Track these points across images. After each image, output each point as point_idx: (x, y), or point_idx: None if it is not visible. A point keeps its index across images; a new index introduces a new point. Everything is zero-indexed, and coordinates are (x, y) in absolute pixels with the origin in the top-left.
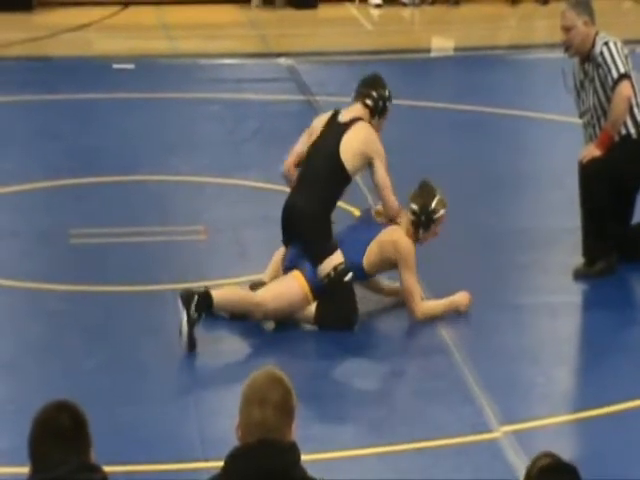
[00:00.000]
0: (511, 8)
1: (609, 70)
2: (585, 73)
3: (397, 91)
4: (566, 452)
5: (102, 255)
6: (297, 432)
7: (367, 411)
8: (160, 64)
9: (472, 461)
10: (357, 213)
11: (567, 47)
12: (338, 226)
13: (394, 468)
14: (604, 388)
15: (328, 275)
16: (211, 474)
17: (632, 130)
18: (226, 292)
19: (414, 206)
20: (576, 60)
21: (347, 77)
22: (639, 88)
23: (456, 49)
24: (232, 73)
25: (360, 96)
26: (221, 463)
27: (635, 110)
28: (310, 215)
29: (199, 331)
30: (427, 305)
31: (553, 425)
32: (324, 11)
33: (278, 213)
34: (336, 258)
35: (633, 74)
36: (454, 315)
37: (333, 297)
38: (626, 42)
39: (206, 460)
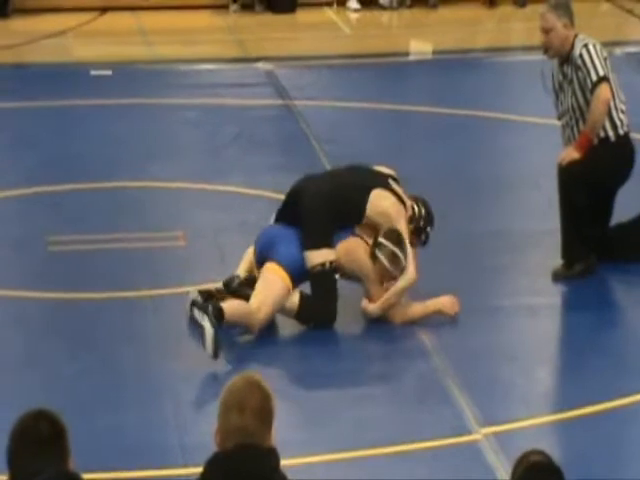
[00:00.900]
0: (489, 11)
1: (588, 72)
2: (564, 75)
3: (376, 95)
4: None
5: (81, 262)
6: (277, 436)
7: (347, 414)
8: (138, 70)
9: (452, 463)
10: None
11: (546, 49)
12: None
13: (374, 471)
14: (584, 389)
15: (322, 265)
16: None
17: (610, 133)
18: (232, 305)
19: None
20: (555, 62)
21: (326, 81)
22: (618, 90)
23: (434, 52)
24: (211, 78)
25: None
26: (200, 469)
27: (614, 113)
28: (325, 196)
29: (178, 336)
30: (407, 311)
31: (533, 426)
32: (302, 16)
33: (257, 218)
34: (331, 253)
35: (612, 76)
36: (434, 317)
37: (320, 292)
38: (603, 44)
39: (185, 466)
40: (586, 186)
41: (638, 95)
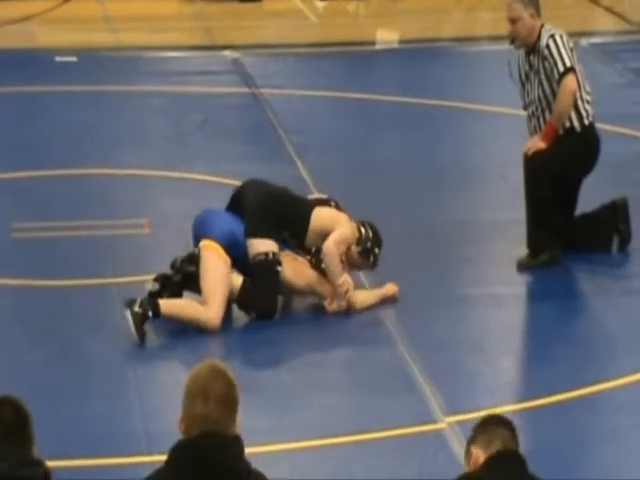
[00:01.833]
0: (456, 0)
1: (555, 63)
2: (530, 65)
3: (342, 84)
4: None
5: (45, 249)
6: (241, 424)
7: (311, 403)
8: (104, 57)
9: (417, 452)
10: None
11: (513, 39)
12: None
13: (338, 460)
14: (548, 378)
15: (265, 254)
16: (155, 468)
17: (576, 123)
18: (174, 304)
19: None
20: (521, 52)
21: (293, 70)
22: (583, 81)
23: (401, 42)
24: (177, 66)
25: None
26: (165, 456)
27: (579, 103)
28: (273, 196)
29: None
30: (364, 299)
31: None
32: (269, 4)
33: (221, 206)
34: (274, 245)
35: (578, 67)
36: (399, 306)
37: (262, 282)
38: (569, 35)
39: (150, 454)
40: (551, 176)
41: (603, 86)
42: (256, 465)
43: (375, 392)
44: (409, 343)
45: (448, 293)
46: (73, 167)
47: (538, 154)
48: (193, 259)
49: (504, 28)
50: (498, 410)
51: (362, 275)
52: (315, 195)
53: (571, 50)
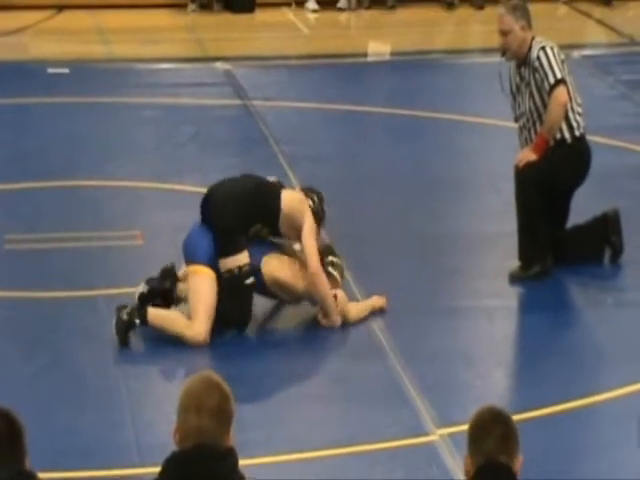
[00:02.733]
0: (447, 13)
1: (546, 75)
2: (521, 77)
3: (334, 96)
4: None
5: (38, 260)
6: (235, 436)
7: (303, 414)
8: (96, 68)
9: (408, 464)
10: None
11: (504, 51)
12: None
13: (331, 471)
14: (539, 390)
15: (229, 272)
16: None
17: (567, 135)
18: (162, 312)
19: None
20: (512, 64)
21: (284, 81)
22: (574, 93)
23: (392, 54)
24: (168, 78)
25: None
26: (157, 469)
27: (570, 115)
28: (235, 199)
29: (136, 337)
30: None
31: None
32: (261, 16)
33: None
34: (243, 257)
35: (569, 79)
36: (390, 318)
37: (230, 297)
38: (560, 47)
39: (142, 466)
40: (543, 188)
41: (594, 97)
42: (249, 477)
43: (367, 404)
44: (400, 355)
45: (439, 305)
46: (65, 178)
47: (529, 166)
48: (166, 274)
49: (495, 40)
50: None
51: (354, 286)
52: (272, 178)
53: (562, 62)
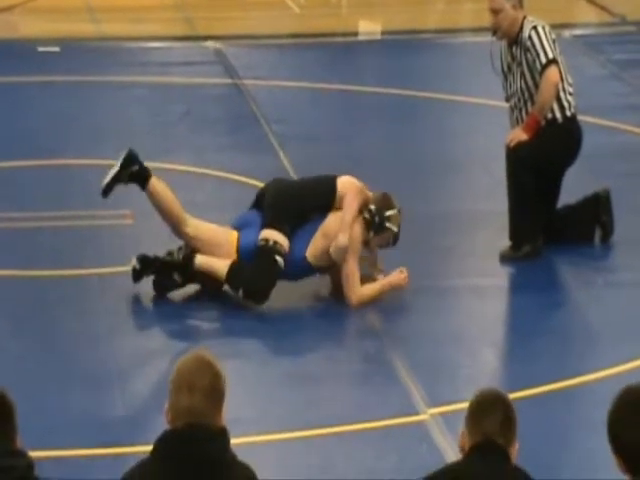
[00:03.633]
0: None
1: (537, 55)
2: (513, 56)
3: (325, 75)
4: None
5: (27, 239)
6: (227, 415)
7: (294, 394)
8: (86, 47)
9: (399, 443)
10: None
11: (495, 30)
12: None
13: (321, 451)
14: (530, 370)
15: (265, 240)
16: (138, 459)
17: (558, 114)
18: (164, 188)
19: (372, 206)
20: (504, 43)
21: (275, 60)
22: (566, 73)
23: (384, 33)
24: (159, 56)
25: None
26: (148, 448)
27: (562, 95)
28: (292, 189)
29: (125, 315)
30: (363, 291)
31: None
32: None
33: (204, 197)
34: (282, 238)
35: (560, 59)
36: (381, 298)
37: (257, 265)
38: (552, 26)
39: (132, 445)
40: (534, 168)
41: (586, 78)
42: (241, 456)
43: (357, 384)
44: (391, 335)
45: (430, 284)
46: (55, 157)
47: (520, 145)
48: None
49: (486, 20)
50: None
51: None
52: None
53: (553, 42)
